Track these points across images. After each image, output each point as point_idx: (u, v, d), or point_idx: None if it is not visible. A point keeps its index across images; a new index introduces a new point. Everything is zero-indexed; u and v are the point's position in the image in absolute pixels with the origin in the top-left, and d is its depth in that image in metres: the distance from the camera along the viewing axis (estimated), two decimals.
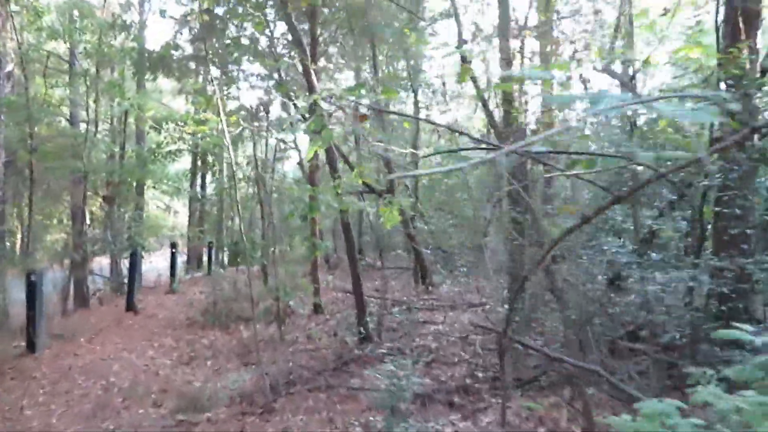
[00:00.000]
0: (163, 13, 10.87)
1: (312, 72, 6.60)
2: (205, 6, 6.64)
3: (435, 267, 10.91)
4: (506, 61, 6.86)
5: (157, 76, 12.34)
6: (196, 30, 10.11)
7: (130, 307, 9.52)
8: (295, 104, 11.33)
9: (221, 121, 8.80)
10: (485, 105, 7.27)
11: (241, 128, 18.09)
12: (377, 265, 14.56)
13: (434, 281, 10.70)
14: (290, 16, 6.42)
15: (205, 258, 23.34)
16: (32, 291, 6.80)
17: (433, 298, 9.87)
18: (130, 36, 11.51)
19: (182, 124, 16.88)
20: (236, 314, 8.64)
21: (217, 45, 10.61)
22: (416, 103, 12.24)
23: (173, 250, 12.25)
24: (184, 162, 20.46)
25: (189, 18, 10.24)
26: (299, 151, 10.37)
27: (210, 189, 23.45)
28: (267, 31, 8.43)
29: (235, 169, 13.47)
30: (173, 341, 7.64)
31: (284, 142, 15.55)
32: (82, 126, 14.26)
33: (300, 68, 11.72)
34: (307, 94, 8.40)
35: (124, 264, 13.39)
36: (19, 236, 17.63)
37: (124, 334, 8.03)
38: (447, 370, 5.85)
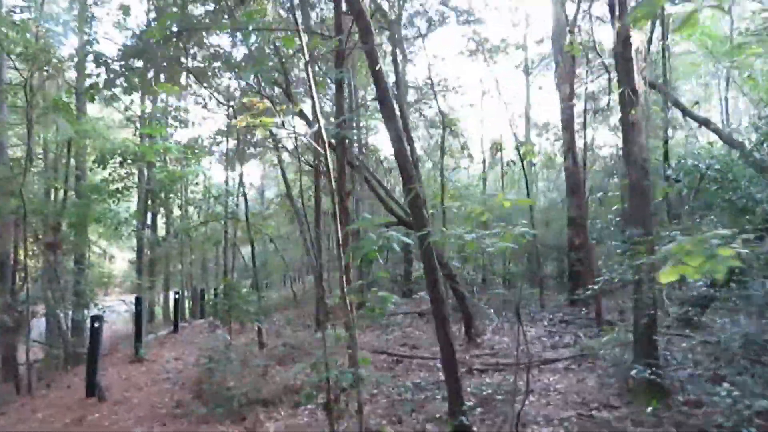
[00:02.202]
0: (126, 10, 8.68)
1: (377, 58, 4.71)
2: None
3: (483, 312, 9.00)
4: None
5: (114, 92, 10.03)
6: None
7: (93, 391, 7.03)
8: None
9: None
10: None
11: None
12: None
13: (479, 330, 8.78)
14: None
15: (157, 309, 20.40)
16: None
17: (487, 353, 7.92)
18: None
19: (131, 158, 14.55)
20: (248, 396, 6.36)
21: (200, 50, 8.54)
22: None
23: (138, 307, 9.74)
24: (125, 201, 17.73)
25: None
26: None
27: (162, 230, 20.79)
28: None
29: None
30: None
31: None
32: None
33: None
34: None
35: (65, 322, 10.70)
36: None
37: None
38: None
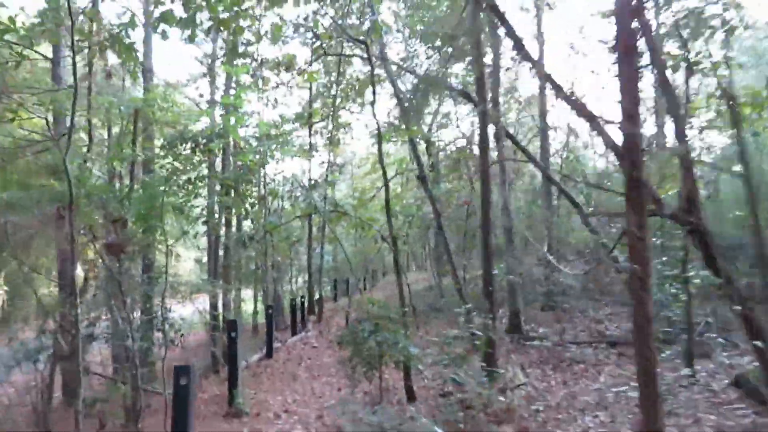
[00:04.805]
0: None
1: None
2: None
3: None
4: None
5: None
6: None
7: None
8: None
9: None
10: None
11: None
12: (546, 337, 9.15)
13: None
14: None
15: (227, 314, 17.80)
16: None
17: None
18: None
19: (205, 140, 11.73)
20: None
21: None
22: None
23: (232, 333, 6.84)
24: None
25: None
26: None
27: (233, 227, 17.99)
28: None
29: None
30: None
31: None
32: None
33: None
34: None
35: (134, 351, 7.97)
36: None
37: None
38: None
